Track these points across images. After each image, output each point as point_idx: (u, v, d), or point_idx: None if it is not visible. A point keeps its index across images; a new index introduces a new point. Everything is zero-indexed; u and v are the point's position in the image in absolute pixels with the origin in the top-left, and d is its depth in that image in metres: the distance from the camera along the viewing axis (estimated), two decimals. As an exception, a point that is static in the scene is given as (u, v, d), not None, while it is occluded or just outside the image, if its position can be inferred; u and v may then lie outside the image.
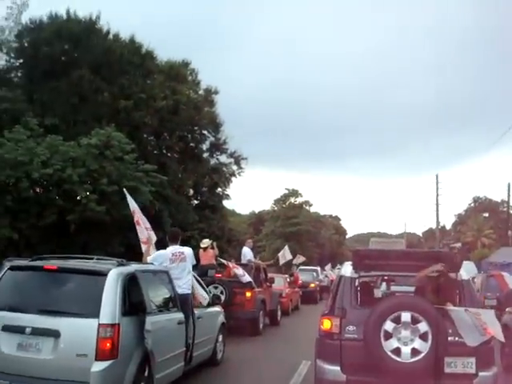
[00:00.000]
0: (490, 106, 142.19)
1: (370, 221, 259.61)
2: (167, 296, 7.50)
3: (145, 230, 10.34)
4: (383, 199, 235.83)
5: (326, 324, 6.46)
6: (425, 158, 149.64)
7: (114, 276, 6.11)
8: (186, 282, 7.91)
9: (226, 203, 43.79)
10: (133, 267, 6.57)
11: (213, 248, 15.74)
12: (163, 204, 30.65)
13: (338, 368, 6.21)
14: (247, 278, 14.11)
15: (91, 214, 23.60)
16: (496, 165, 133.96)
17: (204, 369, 9.31)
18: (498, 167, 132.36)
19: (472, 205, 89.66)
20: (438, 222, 60.60)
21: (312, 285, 29.46)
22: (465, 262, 7.59)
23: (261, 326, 14.63)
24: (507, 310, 10.92)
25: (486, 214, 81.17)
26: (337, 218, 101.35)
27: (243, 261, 15.82)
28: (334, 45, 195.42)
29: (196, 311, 8.37)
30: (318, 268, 38.33)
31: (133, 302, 6.23)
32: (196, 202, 40.56)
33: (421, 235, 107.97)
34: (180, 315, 7.47)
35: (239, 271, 14.07)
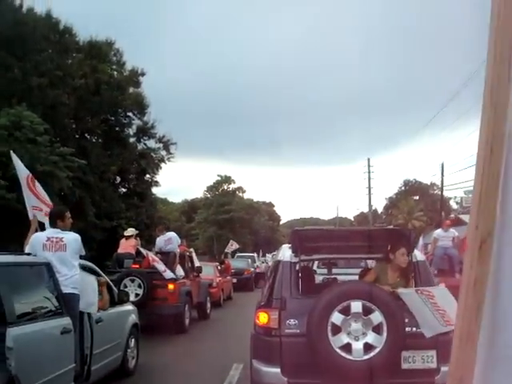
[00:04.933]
0: (419, 92, 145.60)
1: (303, 207, 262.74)
2: (46, 297, 5.62)
3: (31, 208, 8.39)
4: (315, 185, 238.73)
5: (263, 318, 5.52)
6: (356, 144, 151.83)
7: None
8: (67, 277, 5.91)
9: (157, 192, 42.13)
10: None
11: (136, 238, 14.23)
12: (85, 191, 28.67)
13: (278, 370, 5.30)
14: (169, 274, 12.39)
15: (1, 201, 21.55)
16: (425, 149, 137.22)
17: (113, 381, 7.60)
18: (426, 151, 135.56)
19: (403, 188, 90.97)
20: (370, 206, 61.01)
21: (247, 271, 28.53)
22: None
23: (187, 321, 12.89)
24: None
25: (417, 197, 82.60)
26: (270, 205, 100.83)
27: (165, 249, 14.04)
28: (261, 34, 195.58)
29: (96, 313, 6.60)
30: (255, 254, 37.94)
31: (-14, 310, 4.47)
32: (123, 189, 38.62)
33: (352, 219, 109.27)
34: (65, 321, 5.60)
35: (160, 266, 12.28)
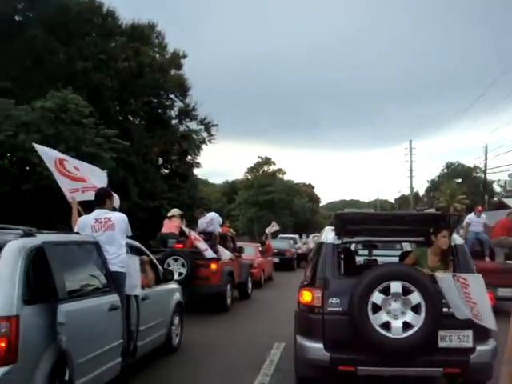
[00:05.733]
0: (464, 73, 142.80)
1: (343, 189, 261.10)
2: (94, 275, 5.77)
3: (68, 191, 8.45)
4: (356, 168, 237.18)
5: (307, 296, 5.75)
6: (399, 127, 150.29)
7: (13, 250, 4.42)
8: (115, 256, 6.06)
9: (199, 173, 42.51)
10: (40, 238, 4.81)
11: (180, 218, 14.35)
12: (128, 172, 29.14)
13: (321, 345, 5.52)
14: (210, 254, 12.49)
15: (48, 182, 22.05)
16: (469, 131, 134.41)
17: (156, 357, 7.78)
18: (470, 133, 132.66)
19: (445, 170, 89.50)
20: (411, 188, 60.18)
21: (289, 252, 29.02)
22: None
23: (228, 301, 13.06)
24: None
25: (459, 180, 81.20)
26: (310, 186, 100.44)
27: (208, 229, 14.11)
28: (304, 17, 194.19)
29: (142, 290, 6.77)
30: (297, 236, 38.40)
31: (40, 286, 4.59)
32: (166, 170, 39.10)
33: (393, 201, 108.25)
34: (113, 299, 5.76)
35: (202, 245, 12.39)
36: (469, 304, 4.83)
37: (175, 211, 14.79)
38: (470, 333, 5.42)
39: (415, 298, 5.33)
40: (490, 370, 5.60)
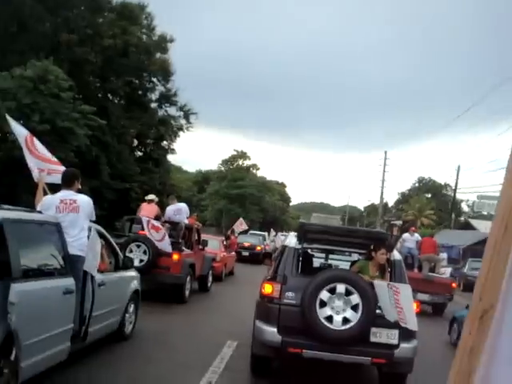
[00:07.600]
0: (445, 92, 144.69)
1: (315, 191, 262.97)
2: (52, 256, 5.66)
3: (36, 170, 8.35)
4: (329, 170, 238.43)
5: (268, 288, 6.81)
6: (374, 136, 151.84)
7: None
8: (76, 239, 6.01)
9: (173, 159, 42.24)
10: (0, 214, 4.68)
11: (158, 205, 14.48)
12: (102, 151, 28.81)
13: (275, 329, 6.57)
14: (163, 245, 12.05)
15: (19, 152, 21.72)
16: (444, 149, 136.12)
17: (107, 344, 7.69)
18: (445, 151, 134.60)
19: (416, 185, 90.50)
20: (382, 198, 60.74)
21: (258, 247, 32.43)
22: None
23: (187, 293, 12.93)
24: None
25: (429, 195, 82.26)
26: (283, 185, 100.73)
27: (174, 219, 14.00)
28: (295, 14, 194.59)
29: (99, 276, 6.70)
30: (266, 233, 41.44)
31: (-6, 262, 4.56)
32: (140, 153, 38.80)
33: (362, 209, 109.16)
34: (68, 282, 5.65)
35: (158, 235, 11.95)
36: (397, 309, 5.69)
37: (153, 196, 14.86)
38: (396, 332, 6.42)
39: (355, 298, 6.36)
40: (410, 364, 6.78)
